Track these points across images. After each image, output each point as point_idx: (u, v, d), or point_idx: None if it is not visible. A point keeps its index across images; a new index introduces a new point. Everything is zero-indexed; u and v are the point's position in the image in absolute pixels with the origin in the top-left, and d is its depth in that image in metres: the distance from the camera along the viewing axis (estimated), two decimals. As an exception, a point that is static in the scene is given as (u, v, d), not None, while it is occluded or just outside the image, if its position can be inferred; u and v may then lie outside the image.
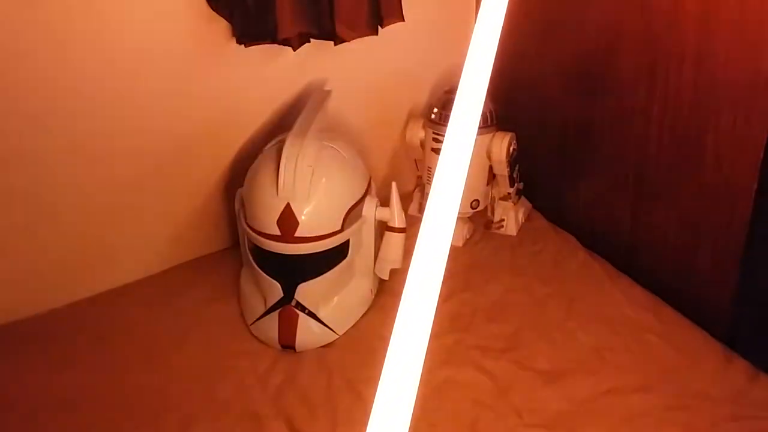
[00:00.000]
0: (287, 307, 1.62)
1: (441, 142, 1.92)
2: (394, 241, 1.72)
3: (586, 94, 1.83)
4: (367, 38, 1.79)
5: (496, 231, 2.02)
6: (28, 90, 1.57)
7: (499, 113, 1.91)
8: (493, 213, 2.03)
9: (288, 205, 1.57)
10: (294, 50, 1.74)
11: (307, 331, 1.62)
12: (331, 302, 1.67)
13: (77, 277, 1.79)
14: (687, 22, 1.48)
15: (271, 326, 1.63)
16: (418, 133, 2.00)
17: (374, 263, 1.74)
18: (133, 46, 1.64)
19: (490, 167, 1.93)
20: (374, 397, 0.45)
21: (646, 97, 1.63)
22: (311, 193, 1.58)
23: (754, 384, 1.46)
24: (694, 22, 1.46)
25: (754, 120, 1.40)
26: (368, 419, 0.44)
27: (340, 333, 1.66)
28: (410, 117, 2.05)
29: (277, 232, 1.58)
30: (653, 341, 1.59)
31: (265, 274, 1.64)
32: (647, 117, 1.65)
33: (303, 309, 1.62)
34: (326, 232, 1.60)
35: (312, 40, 1.77)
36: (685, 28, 1.49)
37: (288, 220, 1.57)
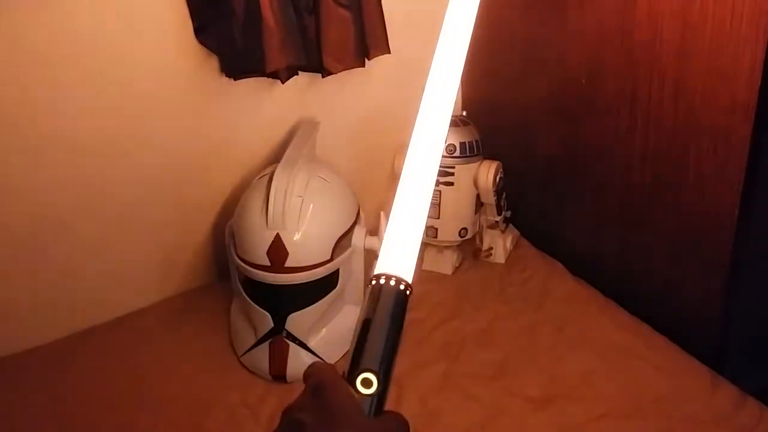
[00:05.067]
0: (278, 337, 1.63)
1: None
2: (383, 270, 1.72)
3: (570, 122, 1.86)
4: (354, 70, 1.82)
5: (485, 259, 2.04)
6: (20, 126, 1.58)
7: (485, 142, 1.94)
8: (481, 241, 2.04)
9: (278, 236, 1.58)
10: (282, 83, 1.76)
11: (298, 362, 1.62)
12: (321, 332, 1.68)
13: (66, 312, 1.78)
14: (665, 52, 1.51)
15: (261, 357, 1.63)
16: (405, 162, 2.02)
17: (364, 292, 1.75)
18: (122, 80, 1.65)
19: (478, 196, 1.95)
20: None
21: (628, 124, 1.66)
22: (301, 223, 1.60)
23: (742, 408, 1.47)
24: (672, 52, 1.50)
25: (732, 145, 1.43)
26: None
27: (331, 363, 1.66)
28: (398, 147, 2.07)
29: (267, 263, 1.59)
30: (641, 367, 1.60)
31: (255, 305, 1.64)
32: (630, 144, 1.68)
33: (294, 339, 1.63)
34: (316, 262, 1.61)
35: (300, 72, 1.80)
36: (664, 58, 1.52)
37: (278, 250, 1.58)
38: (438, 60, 0.64)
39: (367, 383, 0.51)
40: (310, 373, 0.53)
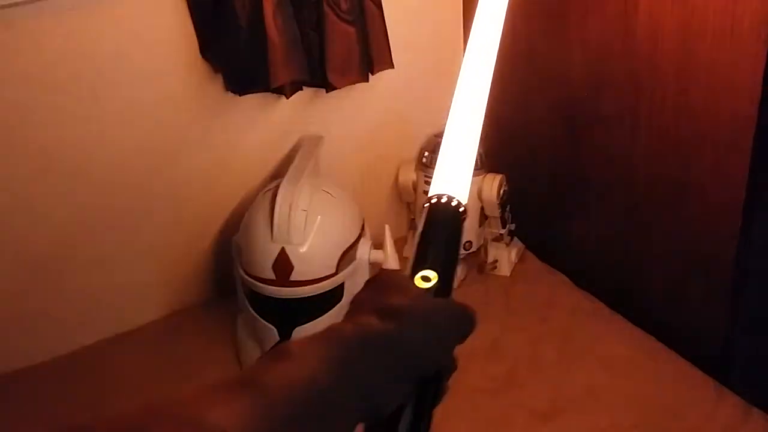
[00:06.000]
0: (283, 351, 1.63)
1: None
2: (388, 284, 1.73)
3: (574, 135, 1.87)
4: (358, 85, 1.83)
5: (490, 272, 2.04)
6: (28, 144, 1.60)
7: (489, 156, 1.95)
8: (486, 254, 2.04)
9: (283, 250, 1.59)
10: (287, 98, 1.77)
11: (304, 375, 1.62)
12: (327, 345, 1.68)
13: (72, 328, 1.79)
14: (666, 65, 1.52)
15: (267, 370, 1.64)
16: (410, 176, 2.03)
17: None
18: (129, 97, 1.67)
19: (482, 209, 1.96)
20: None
21: (631, 136, 1.67)
22: (306, 236, 1.60)
23: (747, 419, 1.46)
24: (672, 64, 1.51)
25: (734, 157, 1.43)
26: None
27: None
28: (402, 161, 2.08)
29: (273, 277, 1.59)
30: (646, 378, 1.60)
31: (261, 319, 1.65)
32: (632, 157, 1.68)
33: (299, 352, 1.63)
34: (321, 276, 1.61)
35: (304, 87, 1.81)
36: (665, 70, 1.53)
37: (283, 264, 1.59)
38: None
39: (426, 279, 0.51)
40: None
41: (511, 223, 2.03)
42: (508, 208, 1.99)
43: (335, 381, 0.41)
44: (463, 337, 0.50)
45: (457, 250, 0.55)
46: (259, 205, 1.69)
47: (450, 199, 0.56)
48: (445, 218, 0.55)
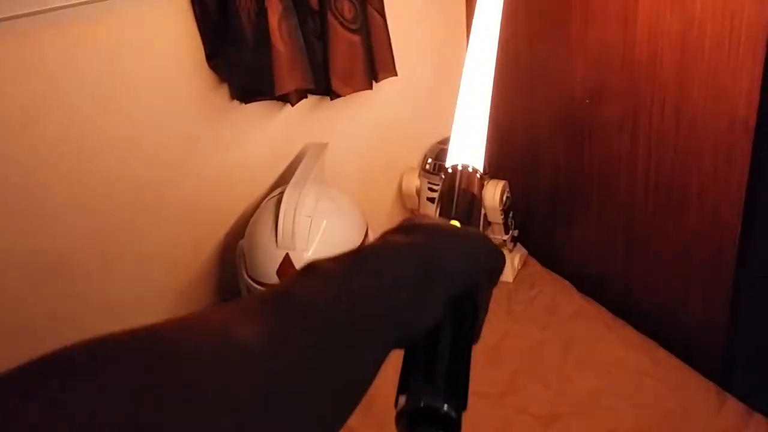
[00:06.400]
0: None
1: (436, 191, 1.95)
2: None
3: (575, 142, 1.88)
4: (361, 93, 1.85)
5: (493, 277, 2.04)
6: (35, 152, 1.61)
7: (492, 162, 1.96)
8: (488, 260, 2.05)
9: (287, 255, 1.60)
10: (292, 105, 1.79)
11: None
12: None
13: (78, 332, 1.78)
14: (665, 73, 1.54)
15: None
16: (413, 183, 2.04)
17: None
18: (135, 106, 1.69)
19: (485, 215, 1.97)
20: None
21: (631, 143, 1.68)
22: (310, 242, 1.62)
23: (748, 424, 1.47)
24: (671, 72, 1.52)
25: (733, 163, 1.44)
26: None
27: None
28: (406, 167, 2.10)
29: (277, 282, 1.60)
30: (648, 383, 1.61)
31: (265, 324, 1.66)
32: (633, 162, 1.70)
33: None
34: (325, 281, 1.62)
35: (309, 95, 1.83)
36: (664, 78, 1.54)
37: (287, 269, 1.60)
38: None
39: None
40: None
41: (514, 229, 2.05)
42: (510, 215, 2.00)
43: (361, 293, 0.40)
44: (492, 266, 0.48)
45: (479, 202, 0.57)
46: (264, 211, 1.70)
47: (465, 165, 0.58)
48: (462, 177, 0.57)
